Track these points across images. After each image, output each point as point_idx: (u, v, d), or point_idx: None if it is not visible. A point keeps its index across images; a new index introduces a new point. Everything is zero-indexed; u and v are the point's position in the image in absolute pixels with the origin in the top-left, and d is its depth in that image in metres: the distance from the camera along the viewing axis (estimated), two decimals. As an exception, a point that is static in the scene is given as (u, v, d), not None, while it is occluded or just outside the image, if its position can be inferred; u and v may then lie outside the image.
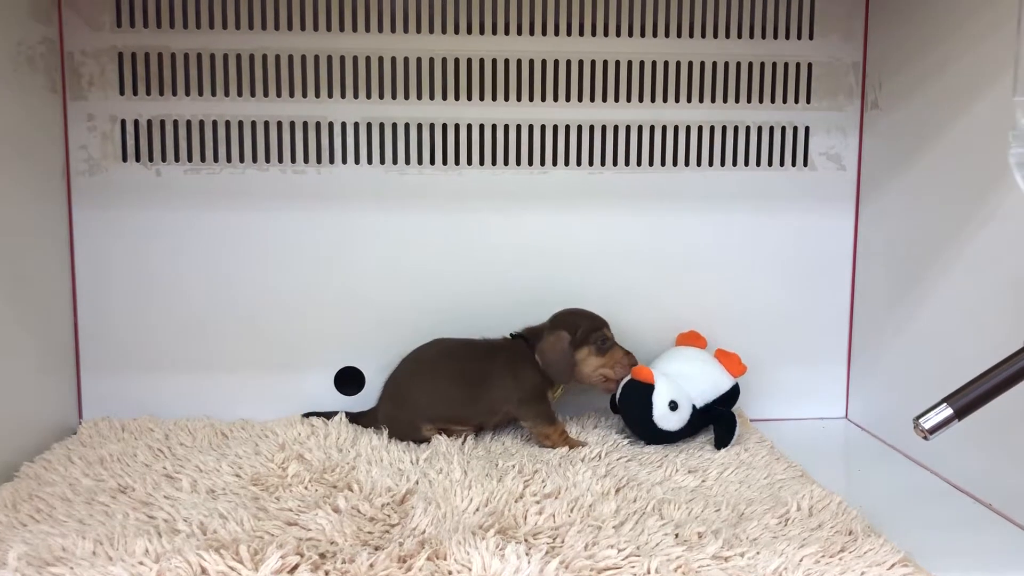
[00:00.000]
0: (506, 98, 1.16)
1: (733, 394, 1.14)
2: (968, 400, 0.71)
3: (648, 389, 1.08)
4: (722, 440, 1.07)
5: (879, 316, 1.16)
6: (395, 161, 1.16)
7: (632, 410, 1.09)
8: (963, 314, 0.98)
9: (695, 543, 0.79)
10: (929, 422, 0.71)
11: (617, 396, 1.11)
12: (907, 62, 1.09)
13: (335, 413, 1.13)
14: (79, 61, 1.11)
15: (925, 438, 0.71)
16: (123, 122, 1.13)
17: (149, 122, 1.13)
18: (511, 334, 1.13)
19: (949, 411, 0.71)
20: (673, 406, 1.07)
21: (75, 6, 1.10)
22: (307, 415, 1.14)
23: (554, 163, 1.18)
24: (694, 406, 1.09)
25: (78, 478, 0.94)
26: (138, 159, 1.14)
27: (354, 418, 1.13)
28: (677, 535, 0.81)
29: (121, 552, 0.76)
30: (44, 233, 1.08)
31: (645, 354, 1.16)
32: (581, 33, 1.16)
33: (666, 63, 1.17)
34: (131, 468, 0.97)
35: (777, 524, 0.84)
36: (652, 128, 1.18)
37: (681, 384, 1.09)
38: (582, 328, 1.09)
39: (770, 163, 1.20)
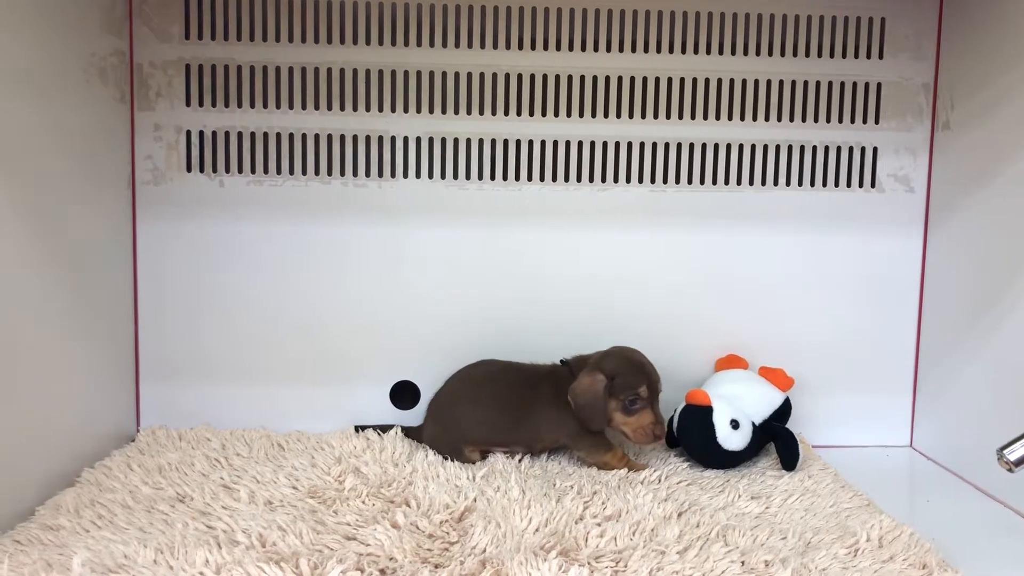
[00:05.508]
0: (568, 114, 1.15)
1: (786, 409, 1.12)
2: (1057, 432, 0.68)
3: (707, 411, 1.05)
4: (789, 461, 1.05)
5: (948, 342, 1.13)
6: (455, 176, 1.16)
7: (694, 436, 1.06)
8: (1041, 342, 0.95)
9: (762, 572, 0.77)
10: (1015, 454, 0.69)
11: (675, 427, 1.09)
12: (982, 83, 1.07)
13: (390, 427, 1.13)
14: (147, 73, 1.13)
15: (1010, 470, 0.69)
16: (188, 133, 1.14)
17: (214, 133, 1.14)
18: (562, 360, 1.09)
19: (1036, 443, 0.68)
20: (735, 424, 1.04)
21: (146, 19, 1.12)
22: (359, 428, 1.14)
23: (615, 180, 1.17)
24: (753, 423, 1.07)
25: (138, 486, 0.95)
26: (202, 170, 1.15)
27: (408, 432, 1.12)
28: (743, 563, 0.79)
29: (182, 562, 0.76)
30: (109, 241, 1.09)
31: (706, 378, 1.14)
32: (646, 50, 1.15)
33: (732, 80, 1.15)
34: (189, 477, 0.98)
35: (847, 555, 0.82)
36: (716, 146, 1.17)
37: (736, 403, 1.07)
38: (618, 379, 1.02)
39: (837, 184, 1.18)
